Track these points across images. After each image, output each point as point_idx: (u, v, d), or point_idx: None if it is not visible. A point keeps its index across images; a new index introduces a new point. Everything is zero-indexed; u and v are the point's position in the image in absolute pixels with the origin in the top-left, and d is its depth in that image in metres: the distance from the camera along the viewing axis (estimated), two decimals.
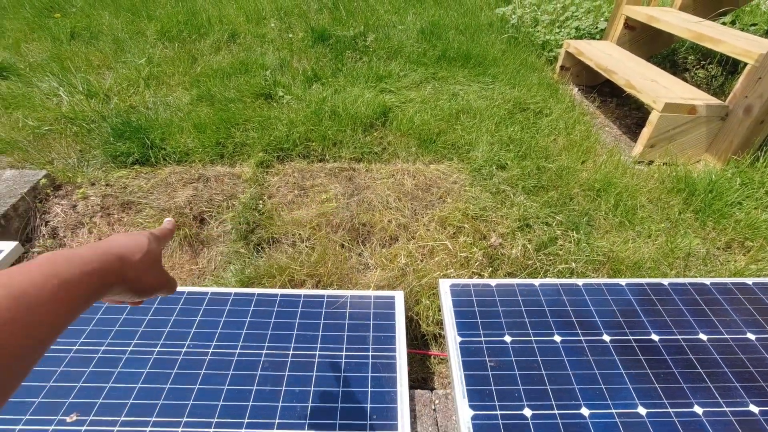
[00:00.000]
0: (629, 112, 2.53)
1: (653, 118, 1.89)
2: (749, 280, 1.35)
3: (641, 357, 1.12)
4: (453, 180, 1.75)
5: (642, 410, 1.00)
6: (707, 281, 1.35)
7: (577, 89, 2.74)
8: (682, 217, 1.63)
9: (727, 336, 1.18)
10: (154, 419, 0.94)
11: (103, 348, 1.09)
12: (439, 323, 1.31)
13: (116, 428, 0.93)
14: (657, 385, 1.05)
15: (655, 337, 1.17)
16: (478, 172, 1.76)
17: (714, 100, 1.89)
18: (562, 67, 2.71)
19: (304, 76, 2.31)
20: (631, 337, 1.17)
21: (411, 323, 1.32)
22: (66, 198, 1.69)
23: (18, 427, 0.92)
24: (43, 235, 1.59)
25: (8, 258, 1.32)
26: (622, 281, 1.33)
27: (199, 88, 2.20)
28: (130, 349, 1.09)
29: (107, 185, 1.70)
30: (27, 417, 0.94)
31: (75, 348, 1.09)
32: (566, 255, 1.44)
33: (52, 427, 0.93)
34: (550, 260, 1.44)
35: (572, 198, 1.66)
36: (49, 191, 1.70)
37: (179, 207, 1.58)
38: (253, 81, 2.24)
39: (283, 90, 2.17)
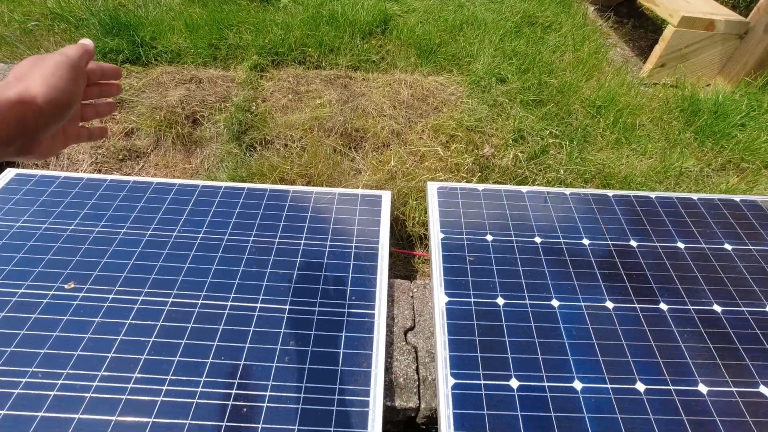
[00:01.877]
0: (645, 34, 2.40)
1: (667, 33, 1.79)
2: (737, 197, 1.35)
3: (617, 260, 1.15)
4: (450, 91, 1.71)
5: (609, 304, 1.05)
6: (695, 196, 1.35)
7: (593, 8, 2.58)
8: (681, 137, 1.61)
9: (704, 245, 1.20)
10: (146, 290, 1.00)
11: (97, 229, 1.13)
12: (425, 224, 1.34)
13: (111, 296, 0.99)
14: (627, 284, 1.09)
15: (633, 244, 1.20)
16: (476, 84, 1.71)
17: (735, 16, 1.78)
18: None
19: None
20: (609, 242, 1.20)
21: (398, 223, 1.35)
22: None
23: (20, 291, 0.99)
24: None
25: None
26: (609, 192, 1.34)
27: None
28: (123, 231, 1.13)
29: None
30: (28, 283, 1.00)
31: (71, 228, 1.13)
32: (557, 166, 1.43)
33: (52, 292, 0.99)
34: (540, 170, 1.44)
35: (571, 113, 1.63)
36: None
37: (171, 106, 1.56)
38: None
39: None
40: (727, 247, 1.21)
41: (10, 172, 1.27)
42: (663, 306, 1.05)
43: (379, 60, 1.82)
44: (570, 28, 2.04)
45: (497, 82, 1.72)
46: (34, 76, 0.42)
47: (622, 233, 1.22)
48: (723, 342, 0.98)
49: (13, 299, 0.97)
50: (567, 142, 1.46)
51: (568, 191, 1.33)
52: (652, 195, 1.34)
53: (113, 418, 0.80)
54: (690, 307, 1.06)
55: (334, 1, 2.01)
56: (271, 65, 1.77)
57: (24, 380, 0.84)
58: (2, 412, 0.80)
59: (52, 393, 0.83)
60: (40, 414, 0.80)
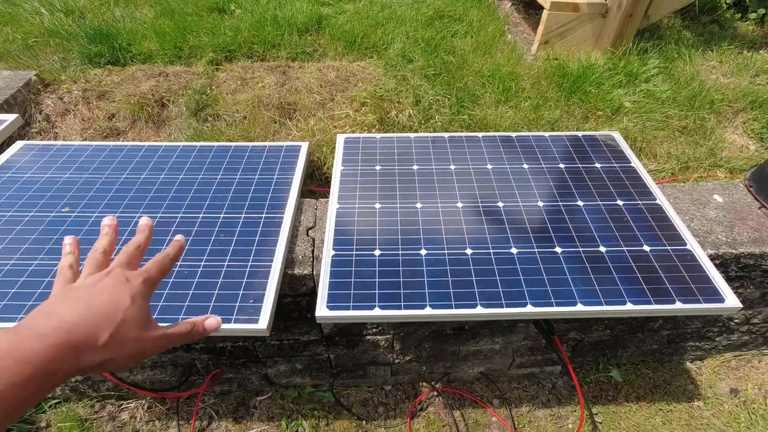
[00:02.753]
0: None
1: (544, 16, 2.21)
2: (580, 133, 1.74)
3: (473, 177, 1.54)
4: (369, 72, 2.12)
5: (459, 204, 1.44)
6: (546, 134, 1.74)
7: (510, 4, 3.01)
8: (550, 95, 2.01)
9: (543, 166, 1.59)
10: (119, 211, 1.40)
11: (85, 175, 1.53)
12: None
13: (94, 216, 1.38)
14: (476, 189, 1.48)
15: (489, 166, 1.59)
16: (390, 65, 2.13)
17: None
18: None
19: None
20: (471, 166, 1.59)
21: (316, 168, 1.75)
22: (54, 92, 2.09)
23: (31, 213, 1.38)
24: (39, 120, 2.01)
25: (10, 127, 1.74)
26: (480, 134, 1.73)
27: (162, 6, 2.53)
28: (104, 175, 1.53)
29: (86, 81, 2.09)
30: (36, 210, 1.40)
31: (66, 175, 1.53)
32: (442, 119, 1.83)
33: (52, 214, 1.39)
34: (430, 125, 1.85)
35: (463, 81, 2.03)
36: (39, 87, 2.09)
37: (143, 93, 1.98)
38: None
39: (235, 4, 2.50)
40: (561, 166, 1.60)
41: (18, 144, 1.67)
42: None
43: (313, 51, 2.24)
44: (476, 19, 2.47)
45: (406, 62, 2.13)
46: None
47: (481, 161, 1.61)
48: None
49: (27, 218, 1.37)
50: (449, 98, 1.86)
51: (446, 135, 1.73)
52: (513, 134, 1.74)
53: None
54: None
55: (277, 8, 2.44)
56: (224, 60, 2.19)
57: (36, 261, 1.24)
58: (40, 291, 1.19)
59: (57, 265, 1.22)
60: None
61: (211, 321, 0.55)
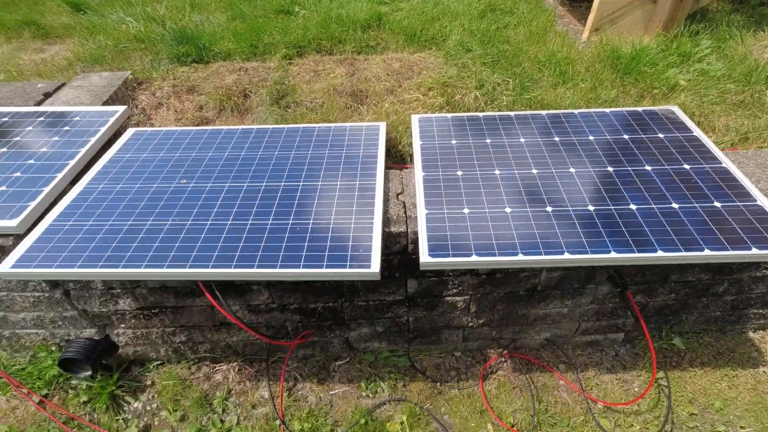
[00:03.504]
0: None
1: (595, 3, 2.32)
2: (640, 108, 1.84)
3: (543, 149, 1.67)
4: (430, 62, 2.28)
5: (534, 171, 1.56)
6: (608, 110, 1.85)
7: None
8: (605, 76, 2.12)
9: (608, 138, 1.70)
10: (228, 183, 1.58)
11: (193, 154, 1.73)
12: (410, 145, 1.89)
13: (209, 185, 1.57)
14: (546, 156, 1.61)
15: (557, 139, 1.71)
16: (449, 54, 2.28)
17: None
18: None
19: None
20: (539, 140, 1.71)
21: (392, 146, 1.90)
22: (147, 89, 2.33)
23: (155, 185, 1.58)
24: (137, 113, 2.24)
25: (121, 117, 1.96)
26: (543, 112, 1.86)
27: (233, 10, 2.76)
28: (209, 155, 1.72)
29: (174, 78, 2.32)
30: (158, 182, 1.60)
31: (176, 155, 1.73)
32: (508, 100, 1.97)
33: (173, 185, 1.58)
34: (496, 105, 1.98)
35: (521, 67, 2.17)
36: (135, 85, 2.33)
37: (228, 86, 2.18)
38: (274, 1, 2.78)
39: (299, 6, 2.71)
40: (625, 136, 1.71)
41: (131, 130, 1.89)
42: (572, 170, 1.56)
43: (376, 45, 2.42)
44: (525, 11, 2.60)
45: (465, 51, 2.28)
46: None
47: (549, 135, 1.73)
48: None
49: (152, 187, 1.57)
50: (512, 81, 2.00)
51: (513, 113, 1.86)
52: (576, 111, 1.85)
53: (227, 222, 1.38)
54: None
55: (339, 8, 2.63)
56: (296, 55, 2.39)
57: (169, 220, 1.43)
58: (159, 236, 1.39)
59: (187, 224, 1.41)
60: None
61: None
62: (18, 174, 1.64)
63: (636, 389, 1.92)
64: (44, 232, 1.43)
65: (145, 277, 1.31)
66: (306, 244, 1.34)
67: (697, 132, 1.69)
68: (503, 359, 2.03)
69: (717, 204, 1.40)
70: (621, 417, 1.85)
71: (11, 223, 1.44)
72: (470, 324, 1.87)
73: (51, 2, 3.05)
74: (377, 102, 2.08)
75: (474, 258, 1.28)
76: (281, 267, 1.27)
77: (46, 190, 1.57)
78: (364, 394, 1.96)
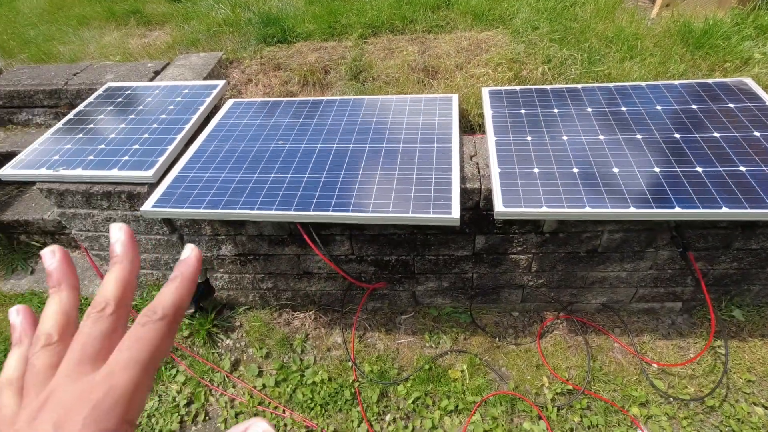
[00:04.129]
0: None
1: None
2: (710, 80, 1.88)
3: (610, 118, 1.76)
4: (498, 39, 2.40)
5: (601, 136, 1.67)
6: (676, 82, 1.91)
7: None
8: (675, 50, 2.15)
9: (677, 107, 1.77)
10: (320, 144, 1.80)
11: (286, 120, 1.97)
12: (480, 116, 2.04)
13: (302, 145, 1.80)
14: (614, 125, 1.71)
15: (623, 108, 1.80)
16: (516, 32, 2.38)
17: None
18: None
19: None
20: (606, 109, 1.81)
21: (463, 117, 2.06)
22: (238, 67, 2.61)
23: (257, 145, 1.83)
24: (230, 88, 2.52)
25: (221, 89, 2.24)
26: (611, 84, 1.94)
27: None
28: (300, 121, 1.96)
29: (261, 57, 2.58)
30: (259, 143, 1.85)
31: (272, 121, 1.98)
32: (576, 73, 2.06)
33: (273, 144, 1.83)
34: (563, 79, 2.08)
35: (587, 43, 2.24)
36: (227, 64, 2.62)
37: (311, 63, 2.41)
38: None
39: None
40: (693, 107, 1.76)
41: (230, 101, 2.16)
42: (638, 136, 1.65)
43: (445, 24, 2.56)
44: None
45: (532, 29, 2.38)
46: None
47: (616, 105, 1.82)
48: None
49: (255, 147, 1.82)
50: (579, 55, 2.08)
51: (580, 86, 1.95)
52: (643, 83, 1.92)
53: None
54: (658, 136, 1.65)
55: None
56: (370, 35, 2.58)
57: (272, 174, 1.67)
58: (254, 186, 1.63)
59: (288, 176, 1.65)
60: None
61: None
62: (146, 136, 1.95)
63: (692, 355, 1.99)
64: (173, 181, 1.72)
65: (255, 218, 1.56)
66: (393, 194, 1.54)
67: None
68: (559, 321, 2.15)
69: None
70: (675, 379, 1.92)
71: (147, 174, 1.74)
72: (530, 283, 2.01)
73: None
74: (448, 77, 2.23)
75: (544, 209, 1.42)
76: (372, 212, 1.48)
77: (170, 148, 1.86)
78: (427, 344, 2.15)
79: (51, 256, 0.33)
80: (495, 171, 1.58)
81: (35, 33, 3.18)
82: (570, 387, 1.93)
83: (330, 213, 1.50)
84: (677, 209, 1.37)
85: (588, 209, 1.41)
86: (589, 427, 1.83)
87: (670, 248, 1.76)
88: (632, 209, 1.39)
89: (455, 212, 1.43)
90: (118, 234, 0.33)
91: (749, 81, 1.83)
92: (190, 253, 0.34)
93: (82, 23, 3.25)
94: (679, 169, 1.50)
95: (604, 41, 2.25)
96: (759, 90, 1.79)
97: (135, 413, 0.28)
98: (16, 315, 0.34)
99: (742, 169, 1.47)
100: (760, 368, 1.92)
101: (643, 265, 1.88)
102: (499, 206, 1.45)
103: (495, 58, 2.21)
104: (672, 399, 1.86)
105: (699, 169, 1.49)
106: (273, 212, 1.54)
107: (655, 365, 1.97)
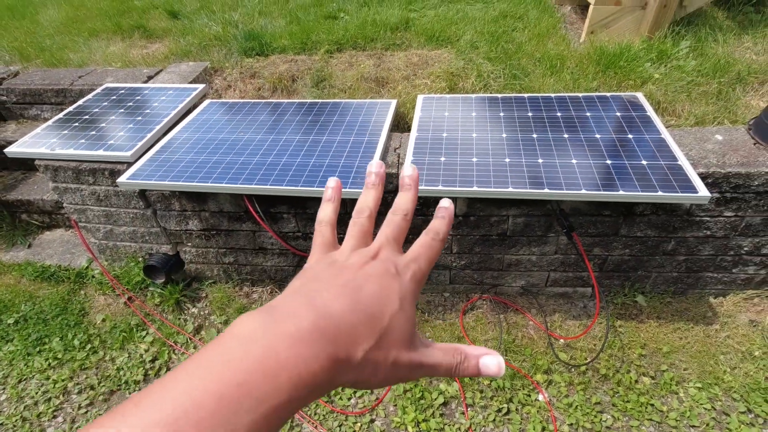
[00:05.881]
0: None
1: (590, 10, 2.70)
2: (608, 94, 2.21)
3: (516, 122, 2.09)
4: (444, 57, 2.76)
5: (504, 135, 1.99)
6: (581, 94, 2.23)
7: (570, 7, 3.50)
8: (590, 70, 2.49)
9: (573, 114, 2.09)
10: (286, 136, 2.15)
11: (250, 117, 2.33)
12: None
13: (258, 136, 2.14)
14: (517, 125, 2.03)
15: (530, 114, 2.13)
16: (460, 51, 2.75)
17: None
18: None
19: (358, 4, 3.41)
20: (515, 114, 2.13)
21: (402, 120, 2.40)
22: (220, 75, 3.00)
23: (221, 136, 2.18)
24: (211, 93, 2.90)
25: (202, 90, 2.61)
26: (526, 95, 2.27)
27: (291, 16, 3.41)
28: (261, 117, 2.31)
29: (241, 67, 2.97)
30: (223, 135, 2.20)
31: (238, 117, 2.33)
32: (498, 86, 2.41)
33: (234, 135, 2.17)
34: (488, 90, 2.43)
35: (519, 62, 2.59)
36: (212, 72, 3.01)
37: (281, 72, 2.79)
38: (325, 10, 3.40)
39: (343, 12, 3.30)
40: (587, 114, 2.09)
41: (207, 101, 2.53)
42: (534, 135, 1.98)
43: (401, 43, 2.94)
44: (533, 17, 3.02)
45: (473, 49, 2.74)
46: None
47: (525, 111, 2.15)
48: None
49: (219, 137, 2.17)
50: (503, 71, 2.43)
51: (500, 95, 2.29)
52: (553, 95, 2.25)
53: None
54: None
55: (375, 14, 3.19)
56: (336, 51, 2.96)
57: (228, 157, 2.01)
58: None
59: (241, 159, 1.99)
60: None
61: (491, 361, 0.36)
62: (131, 125, 2.31)
63: (596, 332, 2.25)
64: (147, 160, 2.07)
65: (208, 190, 1.89)
66: (321, 173, 1.86)
67: (651, 113, 2.04)
68: (484, 301, 2.43)
69: (643, 162, 1.76)
70: (577, 353, 2.18)
71: (126, 154, 2.09)
72: (454, 264, 2.30)
73: (155, 11, 3.88)
74: (394, 86, 2.59)
75: (439, 187, 1.74)
76: (303, 185, 1.80)
77: (148, 136, 2.21)
78: None
79: (378, 166, 0.45)
80: (409, 159, 1.91)
81: (51, 42, 3.63)
82: None
83: (268, 186, 1.83)
84: (546, 190, 1.68)
85: (475, 188, 1.72)
86: (496, 389, 2.09)
87: (558, 225, 2.05)
88: (510, 189, 1.70)
89: None
90: (410, 171, 0.45)
91: (640, 95, 2.16)
92: (449, 204, 0.43)
93: (92, 35, 3.69)
94: (558, 160, 1.82)
95: (532, 60, 2.60)
96: (645, 102, 2.11)
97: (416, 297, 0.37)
98: (333, 182, 0.45)
99: (608, 162, 1.78)
100: (652, 345, 2.17)
101: (548, 249, 2.17)
102: None
103: (437, 72, 2.57)
104: (572, 368, 2.12)
105: (573, 161, 1.80)
106: (223, 185, 1.87)
107: (562, 340, 2.23)
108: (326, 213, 0.43)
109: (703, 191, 1.60)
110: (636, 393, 2.01)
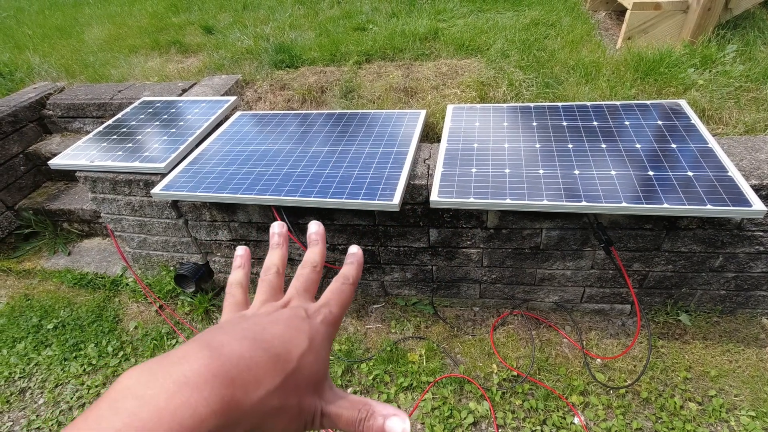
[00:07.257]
0: None
1: (627, 15, 2.61)
2: (648, 102, 2.11)
3: (550, 131, 2.02)
4: (474, 66, 2.72)
5: (537, 145, 1.93)
6: (618, 103, 2.14)
7: (604, 13, 3.40)
8: (628, 77, 2.40)
9: (611, 124, 2.00)
10: (315, 147, 2.15)
11: (279, 128, 2.35)
12: None
13: (287, 147, 2.16)
14: (551, 134, 1.96)
15: (564, 123, 2.05)
16: (490, 60, 2.70)
17: None
18: None
19: (386, 15, 3.42)
20: (549, 124, 2.07)
21: (431, 129, 2.37)
22: (251, 87, 3.05)
23: (251, 147, 2.21)
24: (243, 105, 2.95)
25: (234, 102, 2.66)
26: (560, 103, 2.20)
27: (320, 29, 3.45)
28: (290, 128, 2.33)
29: (272, 79, 3.01)
30: (253, 146, 2.22)
31: (267, 129, 2.36)
32: (530, 95, 2.35)
33: (264, 147, 2.19)
34: (520, 99, 2.36)
35: (552, 70, 2.52)
36: (243, 84, 3.07)
37: (310, 84, 2.82)
38: (353, 21, 3.42)
39: (372, 24, 3.32)
40: (626, 123, 2.00)
41: (238, 113, 2.58)
42: (570, 145, 1.90)
43: (430, 53, 2.92)
44: (567, 24, 2.95)
45: (504, 57, 2.69)
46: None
47: (559, 120, 2.08)
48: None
49: (250, 149, 2.19)
50: (536, 79, 2.37)
51: (532, 104, 2.23)
52: (588, 103, 2.17)
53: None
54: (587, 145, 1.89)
55: (404, 24, 3.19)
56: (365, 61, 2.97)
57: (257, 168, 2.03)
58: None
59: (270, 170, 2.00)
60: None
61: (396, 424, 0.33)
62: (165, 137, 2.37)
63: (636, 353, 2.12)
64: (180, 172, 2.11)
65: (238, 201, 1.90)
66: (350, 184, 1.85)
67: (695, 120, 1.93)
68: (515, 316, 2.34)
69: (689, 173, 1.66)
70: (616, 373, 2.07)
71: (160, 165, 2.14)
72: (485, 278, 2.23)
73: (191, 27, 4.01)
74: (423, 97, 2.57)
75: (471, 199, 1.69)
76: (331, 197, 1.79)
77: (181, 147, 2.26)
78: (393, 331, 2.39)
79: (279, 226, 0.47)
80: (438, 170, 1.87)
81: (94, 59, 3.80)
82: (515, 373, 2.11)
83: (296, 198, 1.83)
84: (584, 203, 1.60)
85: (508, 201, 1.66)
86: (529, 410, 2.00)
87: (596, 240, 1.96)
88: (545, 201, 1.63)
89: (396, 200, 1.72)
90: (315, 228, 0.46)
91: (683, 102, 2.05)
92: (357, 250, 0.46)
93: (132, 51, 3.85)
94: (596, 171, 1.74)
95: (565, 68, 2.53)
96: (688, 109, 2.00)
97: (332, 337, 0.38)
98: (241, 251, 0.46)
99: (651, 173, 1.69)
100: (698, 368, 2.03)
101: (584, 264, 2.07)
102: (434, 196, 1.73)
103: (466, 81, 2.53)
104: (611, 390, 2.00)
105: (612, 172, 1.72)
106: (252, 196, 1.88)
107: (599, 360, 2.12)
108: (237, 276, 0.44)
109: (758, 205, 1.48)
110: (681, 420, 1.88)
